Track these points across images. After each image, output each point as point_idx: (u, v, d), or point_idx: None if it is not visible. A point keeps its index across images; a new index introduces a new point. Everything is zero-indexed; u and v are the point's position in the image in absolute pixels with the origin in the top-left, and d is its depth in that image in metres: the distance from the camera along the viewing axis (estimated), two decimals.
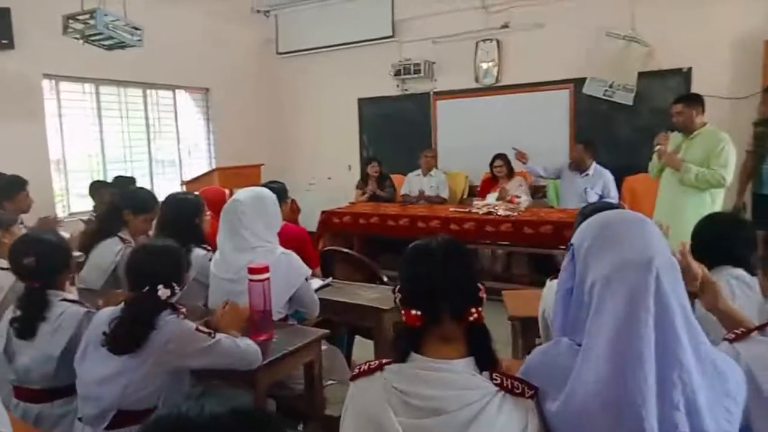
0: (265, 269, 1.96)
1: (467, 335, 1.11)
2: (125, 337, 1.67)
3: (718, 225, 1.83)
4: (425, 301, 1.11)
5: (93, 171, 5.54)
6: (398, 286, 1.17)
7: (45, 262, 1.89)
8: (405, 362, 1.10)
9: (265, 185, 2.65)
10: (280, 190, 2.63)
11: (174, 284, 1.75)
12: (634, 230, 1.00)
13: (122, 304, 1.75)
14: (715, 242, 1.73)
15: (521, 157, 5.19)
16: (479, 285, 1.14)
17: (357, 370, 1.15)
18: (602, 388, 0.91)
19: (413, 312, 1.10)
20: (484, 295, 1.14)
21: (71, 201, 5.38)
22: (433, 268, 1.13)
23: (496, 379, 1.04)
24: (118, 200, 2.90)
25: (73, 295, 2.01)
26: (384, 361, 1.13)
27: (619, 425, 0.91)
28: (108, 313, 1.76)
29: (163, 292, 1.71)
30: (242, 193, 2.31)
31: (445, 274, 1.12)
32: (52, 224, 3.50)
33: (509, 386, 1.03)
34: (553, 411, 0.98)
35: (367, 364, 1.15)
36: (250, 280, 1.96)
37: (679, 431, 0.90)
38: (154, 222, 2.72)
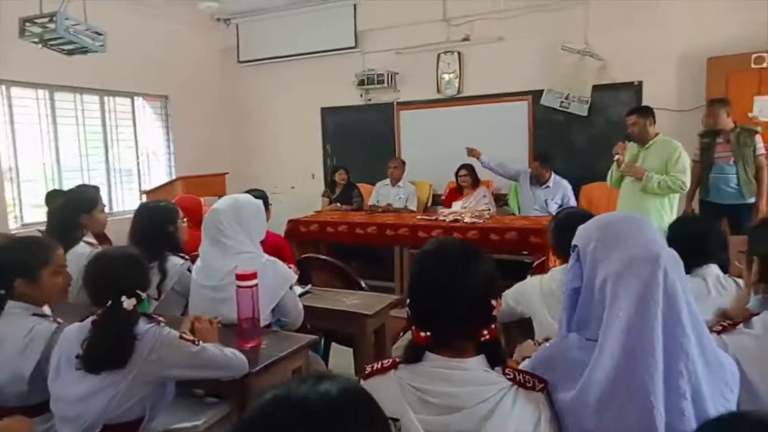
0: (253, 275, 1.95)
1: (478, 346, 1.12)
2: (104, 356, 1.60)
3: (694, 225, 1.96)
4: (434, 323, 1.11)
5: (48, 180, 5.32)
6: (408, 299, 1.16)
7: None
8: (419, 361, 1.12)
9: (247, 192, 2.64)
10: (263, 198, 2.62)
11: (138, 292, 1.66)
12: (636, 227, 1.08)
13: (89, 321, 1.66)
14: (693, 241, 1.85)
15: (473, 153, 5.34)
16: (494, 302, 1.13)
17: (369, 369, 1.15)
18: (616, 375, 0.97)
19: (422, 333, 1.10)
20: (498, 312, 1.14)
21: (24, 211, 5.15)
22: (444, 284, 1.11)
23: (509, 374, 1.08)
24: (69, 207, 2.83)
25: (44, 309, 1.90)
26: (397, 359, 1.15)
27: (631, 411, 0.96)
28: (76, 328, 1.67)
29: (128, 302, 1.62)
30: (220, 204, 2.29)
31: (457, 294, 1.10)
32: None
33: (521, 380, 1.07)
34: (568, 400, 1.04)
35: (380, 362, 1.16)
36: (239, 287, 1.94)
37: (684, 417, 0.97)
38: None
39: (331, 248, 5.19)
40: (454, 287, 1.11)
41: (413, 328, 1.13)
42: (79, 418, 1.60)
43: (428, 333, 1.10)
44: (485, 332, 1.12)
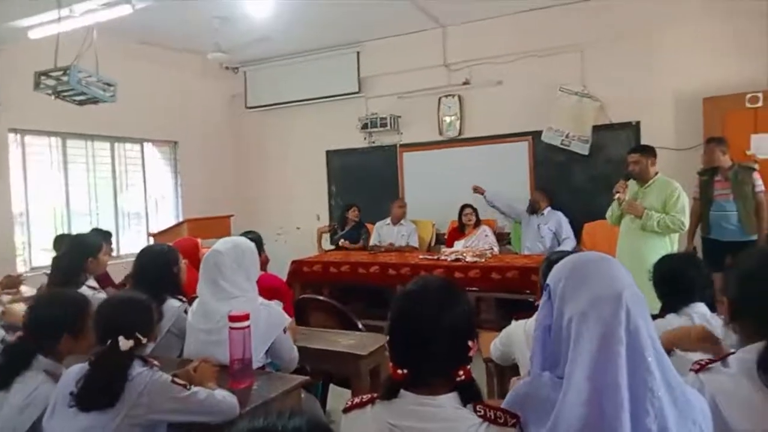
0: (246, 317, 1.98)
1: (453, 385, 1.15)
2: (95, 394, 1.63)
3: (677, 263, 1.98)
4: (412, 361, 1.14)
5: (57, 223, 5.44)
6: (388, 336, 1.19)
7: (40, 318, 1.85)
8: (395, 398, 1.15)
9: (242, 235, 2.69)
10: (257, 240, 2.67)
11: (138, 335, 1.71)
12: (603, 268, 1.10)
13: (88, 361, 1.70)
14: (675, 280, 1.87)
15: (478, 190, 5.47)
16: (470, 343, 1.16)
17: (349, 404, 1.20)
18: (583, 414, 0.98)
19: (399, 371, 1.13)
20: (474, 353, 1.17)
21: (33, 254, 5.25)
22: (423, 324, 1.14)
23: (480, 411, 1.11)
24: (74, 252, 2.91)
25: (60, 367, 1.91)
26: (375, 395, 1.19)
27: None
28: (78, 368, 1.71)
29: (124, 343, 1.67)
30: (221, 244, 2.33)
31: (435, 333, 1.13)
32: (16, 283, 3.46)
33: (492, 417, 1.10)
34: None
35: (360, 397, 1.20)
36: (231, 328, 1.97)
37: None
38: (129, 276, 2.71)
39: (336, 288, 5.22)
40: (432, 327, 1.14)
41: (391, 365, 1.16)
42: None
43: (405, 371, 1.13)
44: (461, 372, 1.15)
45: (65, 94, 4.01)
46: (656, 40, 5.26)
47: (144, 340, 1.74)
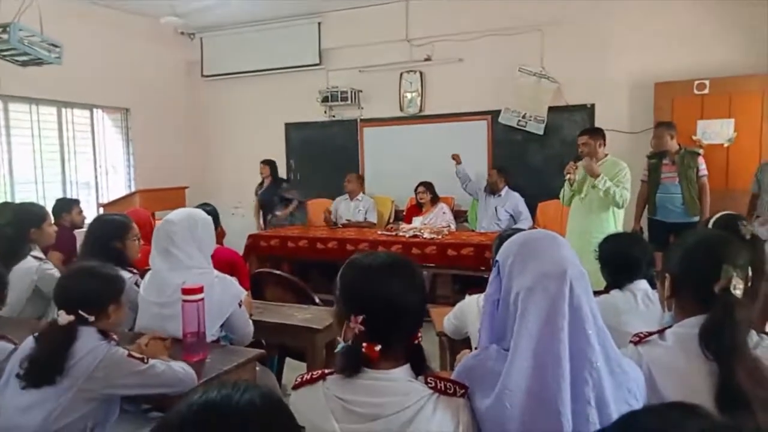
0: (199, 290, 1.96)
1: (409, 351, 1.19)
2: (40, 370, 1.60)
3: (622, 243, 2.07)
4: (386, 335, 1.15)
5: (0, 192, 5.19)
6: (355, 315, 1.15)
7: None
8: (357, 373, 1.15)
9: (198, 207, 2.64)
10: (213, 213, 2.63)
11: (80, 311, 1.66)
12: (549, 246, 1.15)
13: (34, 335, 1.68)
14: (620, 258, 1.95)
15: (456, 158, 5.52)
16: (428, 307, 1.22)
17: (299, 379, 1.20)
18: (526, 384, 1.03)
19: (375, 348, 1.13)
20: (434, 322, 1.23)
21: None
22: (399, 297, 1.16)
23: (431, 383, 1.14)
24: (18, 222, 2.80)
25: None
26: (327, 371, 1.19)
27: (539, 418, 1.02)
28: (30, 341, 1.68)
29: (63, 317, 1.64)
30: (174, 215, 2.28)
31: (409, 304, 1.17)
32: None
33: (442, 388, 1.13)
34: (484, 408, 1.09)
35: (310, 374, 1.20)
36: (185, 301, 1.95)
37: (589, 423, 1.03)
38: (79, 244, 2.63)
39: (293, 263, 5.21)
40: (408, 299, 1.17)
41: (364, 344, 1.14)
42: (20, 428, 1.60)
43: (380, 346, 1.14)
44: (419, 335, 1.20)
45: (6, 53, 3.80)
46: (613, 24, 5.36)
47: (90, 318, 1.68)
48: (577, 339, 1.04)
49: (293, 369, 3.14)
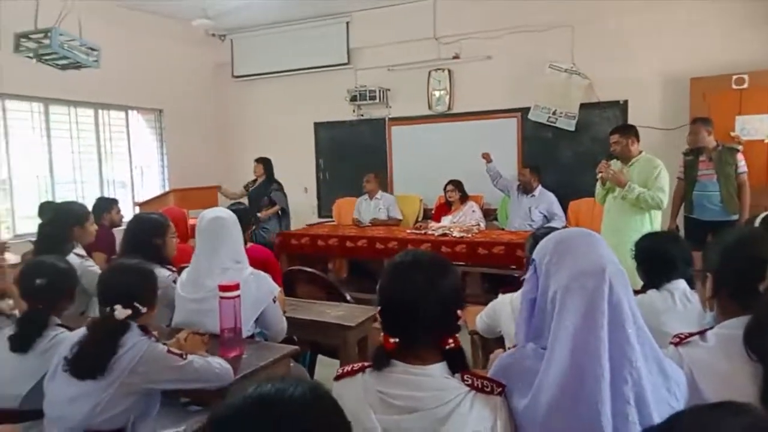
0: (236, 287, 2.00)
1: (442, 354, 1.18)
2: (86, 362, 1.65)
3: (659, 241, 2.03)
4: (402, 330, 1.17)
5: (41, 191, 5.36)
6: (378, 307, 1.21)
7: (54, 285, 1.92)
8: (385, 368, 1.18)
9: (230, 207, 2.69)
10: (246, 213, 2.68)
11: (136, 304, 1.72)
12: (587, 243, 1.14)
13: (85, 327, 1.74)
14: (657, 257, 1.92)
15: (486, 157, 5.46)
16: (459, 312, 1.19)
17: (340, 371, 1.23)
18: (565, 384, 1.03)
19: (391, 340, 1.16)
20: (463, 322, 1.21)
21: (17, 222, 5.19)
22: (416, 294, 1.16)
23: (467, 380, 1.14)
24: (61, 220, 2.90)
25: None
26: (366, 364, 1.22)
27: (578, 417, 1.02)
28: (78, 335, 1.74)
29: (120, 312, 1.68)
30: (216, 212, 2.34)
31: (427, 303, 1.15)
32: (1, 250, 3.45)
33: (479, 386, 1.13)
34: (522, 408, 1.09)
35: (351, 366, 1.23)
36: (221, 298, 1.99)
37: (629, 422, 1.02)
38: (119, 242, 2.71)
39: (324, 261, 5.26)
40: (424, 297, 1.16)
41: (382, 334, 1.19)
42: (63, 420, 1.66)
43: (397, 339, 1.16)
44: (450, 341, 1.18)
45: (47, 57, 3.93)
46: (647, 19, 5.25)
47: (143, 309, 1.74)
48: (616, 338, 1.03)
49: (324, 366, 3.18)
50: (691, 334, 1.33)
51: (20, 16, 3.84)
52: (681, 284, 1.90)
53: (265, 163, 5.85)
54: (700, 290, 1.43)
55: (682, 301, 1.84)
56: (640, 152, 3.89)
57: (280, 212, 5.74)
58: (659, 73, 5.28)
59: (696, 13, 5.04)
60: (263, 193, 5.70)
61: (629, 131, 3.90)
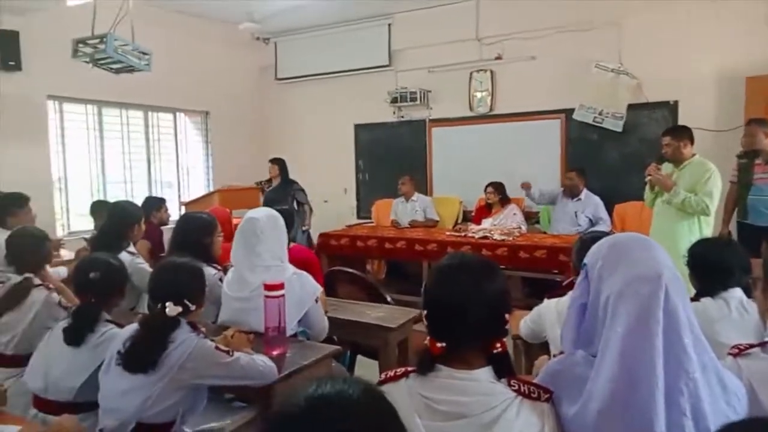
0: (281, 286, 2.03)
1: (488, 358, 1.16)
2: (138, 357, 1.70)
3: (714, 248, 1.95)
4: (449, 333, 1.15)
5: (93, 190, 5.59)
6: (425, 311, 1.19)
7: (107, 280, 1.99)
8: (429, 372, 1.16)
9: (274, 208, 2.73)
10: (291, 214, 2.71)
11: (186, 301, 1.77)
12: (641, 248, 1.10)
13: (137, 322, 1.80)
14: (712, 264, 1.84)
15: (526, 186, 5.38)
16: (506, 315, 1.17)
17: (384, 376, 1.22)
18: (616, 392, 1.00)
19: (438, 344, 1.14)
20: (510, 326, 1.19)
21: (71, 220, 5.42)
22: (463, 298, 1.14)
23: (514, 386, 1.12)
24: (117, 219, 3.01)
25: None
26: (410, 369, 1.20)
27: (630, 427, 0.99)
28: (131, 330, 1.80)
29: (171, 309, 1.73)
30: (258, 213, 2.38)
31: (475, 307, 1.13)
32: (56, 246, 3.61)
33: (526, 391, 1.11)
34: (571, 415, 1.07)
35: (394, 371, 1.22)
36: (266, 297, 2.02)
37: None
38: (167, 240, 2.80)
39: (362, 262, 5.29)
40: (472, 300, 1.14)
41: (429, 338, 1.17)
42: (117, 412, 1.72)
43: (443, 344, 1.14)
44: (497, 345, 1.16)
45: (102, 62, 4.08)
46: (699, 15, 5.06)
47: (192, 307, 1.79)
48: (672, 347, 1.00)
49: (363, 366, 3.19)
50: (752, 345, 1.27)
51: (77, 21, 4.01)
52: (737, 292, 1.82)
53: (280, 164, 5.86)
54: (759, 299, 1.36)
55: (738, 310, 1.77)
56: (693, 155, 3.76)
57: (307, 210, 5.80)
58: (712, 72, 5.08)
59: (753, 8, 4.83)
60: (283, 194, 5.66)
61: (682, 133, 3.76)
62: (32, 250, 2.52)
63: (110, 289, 2.03)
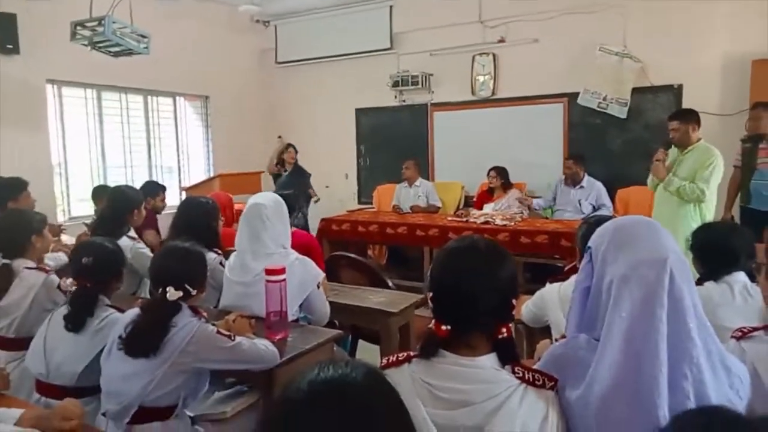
0: (282, 270, 2.03)
1: (493, 343, 1.15)
2: (139, 342, 1.71)
3: (718, 232, 1.94)
4: (456, 317, 1.13)
5: (94, 175, 5.57)
6: (431, 293, 1.18)
7: (102, 264, 1.98)
8: (433, 357, 1.15)
9: (278, 193, 2.72)
10: (294, 199, 2.70)
11: (187, 286, 1.77)
12: (647, 232, 1.09)
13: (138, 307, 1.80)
14: (716, 248, 1.83)
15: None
16: (514, 300, 1.15)
17: (386, 361, 1.19)
18: (619, 376, 0.99)
19: (443, 327, 1.13)
20: (516, 310, 1.17)
21: (71, 205, 5.41)
22: (473, 281, 1.13)
23: (518, 373, 1.11)
24: (117, 205, 3.00)
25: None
26: (412, 354, 1.19)
27: (634, 411, 0.98)
28: (132, 314, 1.80)
29: (172, 293, 1.73)
30: (263, 197, 2.37)
31: (484, 291, 1.12)
32: (56, 232, 3.60)
33: (530, 379, 1.10)
34: (573, 399, 1.06)
35: (396, 356, 1.20)
36: (268, 281, 2.02)
37: None
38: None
39: (363, 247, 5.28)
40: (484, 286, 1.13)
41: (434, 321, 1.15)
42: (119, 396, 1.72)
43: (448, 327, 1.13)
44: (503, 329, 1.14)
45: (101, 45, 4.04)
46: None
47: (193, 291, 1.79)
48: (676, 331, 0.99)
49: (364, 350, 3.20)
50: (755, 329, 1.27)
51: (75, 4, 3.96)
52: (741, 277, 1.81)
53: (296, 150, 5.91)
54: (763, 284, 1.36)
55: (742, 295, 1.76)
56: (699, 140, 3.72)
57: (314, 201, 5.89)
58: (717, 56, 5.02)
59: None
60: (298, 183, 5.57)
61: (690, 117, 3.71)
62: (12, 233, 2.44)
63: (105, 273, 2.01)
